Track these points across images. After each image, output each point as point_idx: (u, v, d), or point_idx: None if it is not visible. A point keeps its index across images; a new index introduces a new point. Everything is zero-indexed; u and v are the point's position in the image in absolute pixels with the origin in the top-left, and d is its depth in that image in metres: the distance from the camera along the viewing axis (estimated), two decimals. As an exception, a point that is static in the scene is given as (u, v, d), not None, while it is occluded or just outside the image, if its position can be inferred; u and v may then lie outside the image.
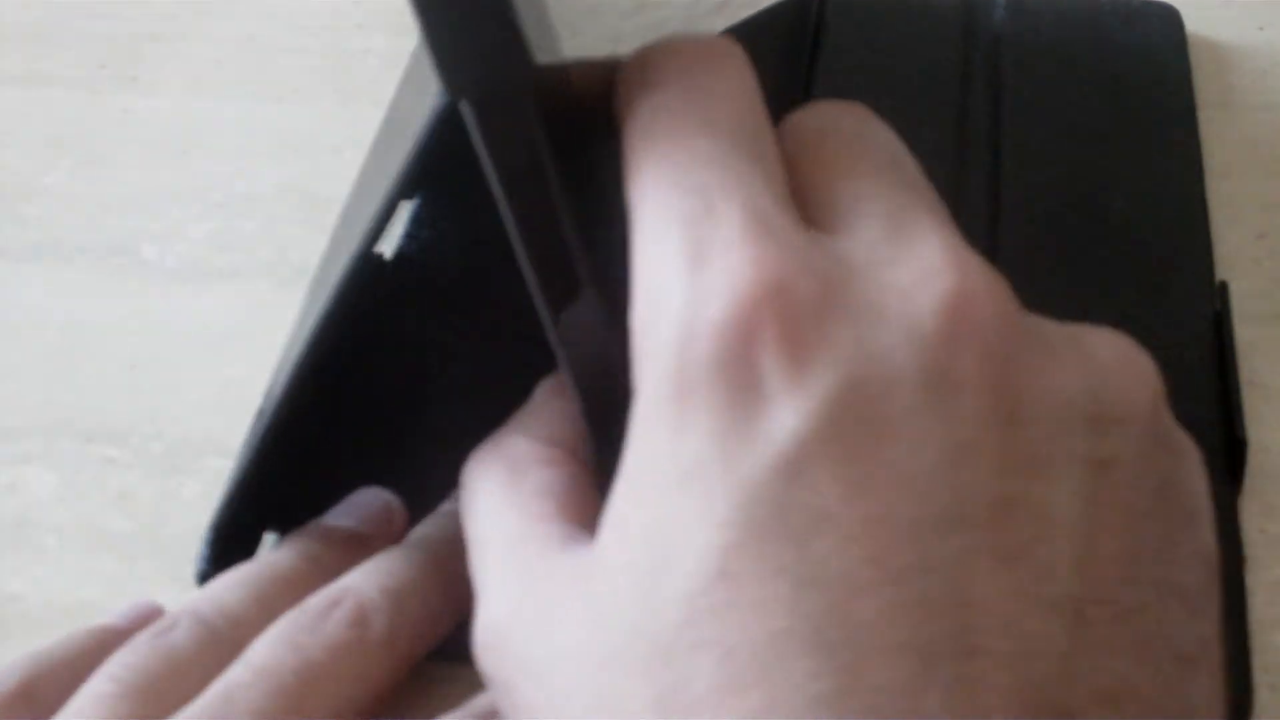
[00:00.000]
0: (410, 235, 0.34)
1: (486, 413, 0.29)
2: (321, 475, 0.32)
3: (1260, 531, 0.33)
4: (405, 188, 0.26)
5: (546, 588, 0.24)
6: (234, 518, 0.31)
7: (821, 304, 0.21)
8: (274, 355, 0.35)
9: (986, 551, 0.20)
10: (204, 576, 0.31)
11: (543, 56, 0.24)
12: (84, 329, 0.39)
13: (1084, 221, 0.39)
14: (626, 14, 0.31)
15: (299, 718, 0.27)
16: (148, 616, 0.30)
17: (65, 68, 0.48)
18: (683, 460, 0.21)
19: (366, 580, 0.29)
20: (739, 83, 0.25)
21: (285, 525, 0.32)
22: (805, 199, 0.24)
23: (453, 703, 0.29)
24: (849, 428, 0.21)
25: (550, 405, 0.28)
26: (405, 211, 0.34)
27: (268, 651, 0.28)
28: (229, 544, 0.31)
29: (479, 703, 0.28)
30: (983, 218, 0.38)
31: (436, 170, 0.26)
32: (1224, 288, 0.37)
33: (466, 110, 0.24)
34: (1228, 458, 0.33)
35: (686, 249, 0.22)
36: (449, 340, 0.34)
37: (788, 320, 0.21)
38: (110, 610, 0.30)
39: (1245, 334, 0.36)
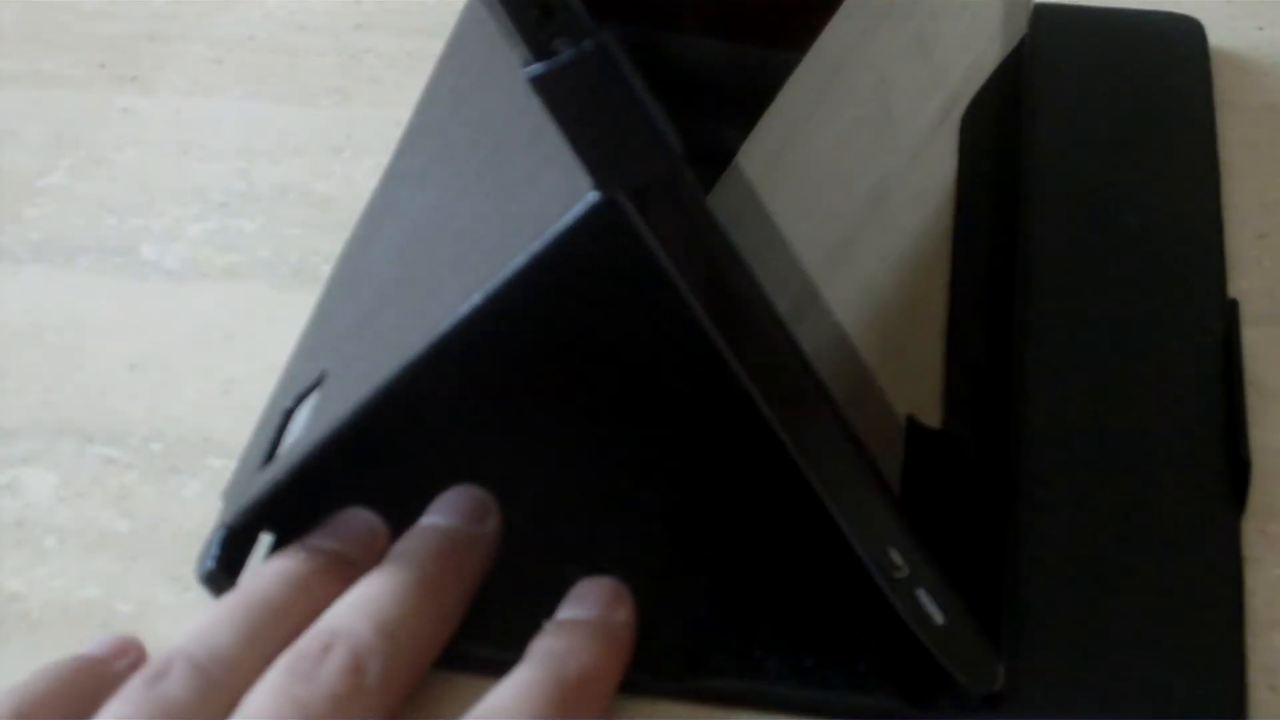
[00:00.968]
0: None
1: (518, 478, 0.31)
2: (333, 483, 0.32)
3: (1260, 532, 0.33)
4: (531, 274, 0.26)
5: None
6: (252, 522, 0.31)
7: None
8: (274, 355, 0.35)
9: None
10: (209, 577, 0.31)
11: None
12: (84, 329, 0.39)
13: (1102, 233, 0.39)
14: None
15: None
16: (126, 649, 0.30)
17: (65, 68, 0.48)
18: None
19: (356, 620, 0.29)
20: None
21: (284, 527, 0.32)
22: None
23: (448, 707, 0.29)
24: None
25: None
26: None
27: (267, 705, 0.27)
28: (235, 544, 0.31)
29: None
30: (1005, 225, 0.38)
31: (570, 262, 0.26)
32: (1234, 305, 0.37)
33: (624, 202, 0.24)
34: (1232, 479, 0.33)
35: None
36: (527, 408, 0.35)
37: None
38: (91, 640, 0.30)
39: (1245, 334, 0.36)
